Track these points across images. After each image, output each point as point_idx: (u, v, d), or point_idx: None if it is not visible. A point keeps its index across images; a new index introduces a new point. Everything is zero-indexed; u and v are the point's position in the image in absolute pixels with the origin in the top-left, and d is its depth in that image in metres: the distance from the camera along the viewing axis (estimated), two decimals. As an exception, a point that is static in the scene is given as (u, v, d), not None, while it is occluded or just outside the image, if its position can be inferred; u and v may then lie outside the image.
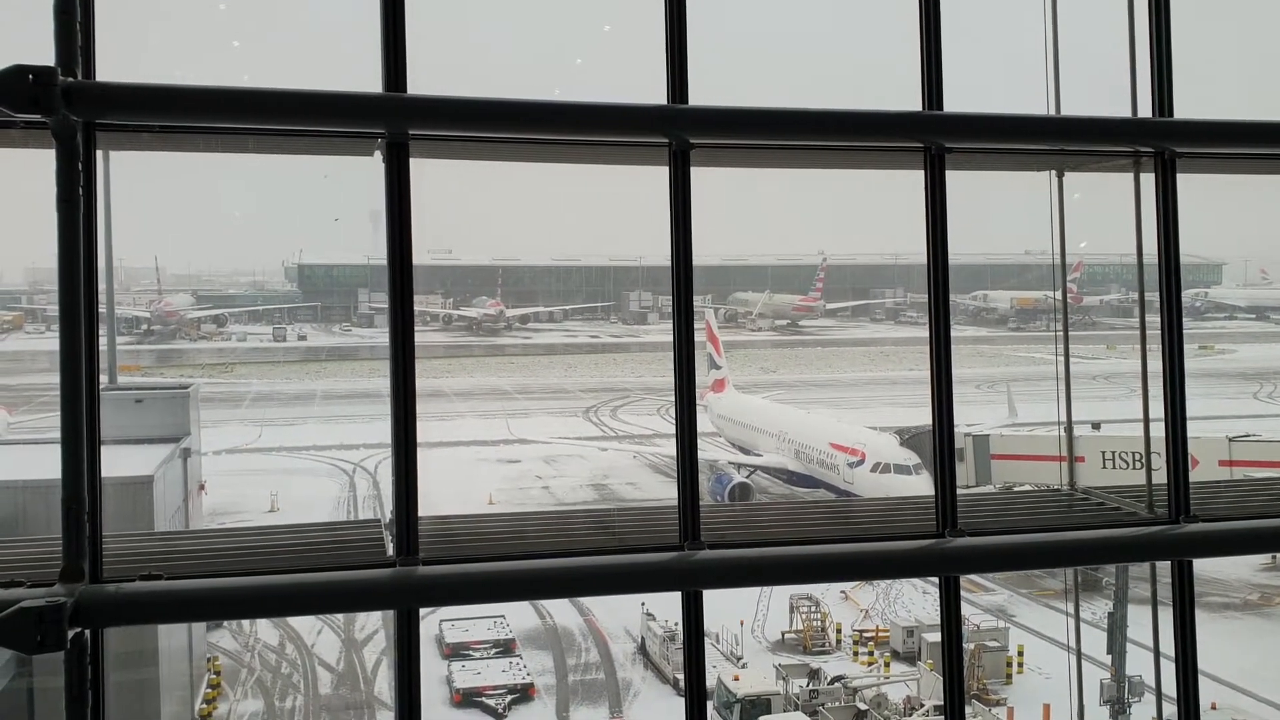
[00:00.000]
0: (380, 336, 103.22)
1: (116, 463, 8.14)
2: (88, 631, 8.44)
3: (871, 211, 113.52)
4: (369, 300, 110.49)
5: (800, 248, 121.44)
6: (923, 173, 10.94)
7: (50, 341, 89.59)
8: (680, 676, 35.60)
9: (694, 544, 10.20)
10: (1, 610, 7.93)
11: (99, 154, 8.78)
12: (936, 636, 35.61)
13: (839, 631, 40.26)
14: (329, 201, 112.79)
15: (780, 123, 10.23)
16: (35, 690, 26.09)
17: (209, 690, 33.89)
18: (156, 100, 8.53)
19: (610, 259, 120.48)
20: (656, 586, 10.44)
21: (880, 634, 40.06)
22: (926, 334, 11.07)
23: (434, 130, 9.54)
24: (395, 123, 9.12)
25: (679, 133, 9.91)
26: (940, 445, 11.18)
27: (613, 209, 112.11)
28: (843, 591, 42.94)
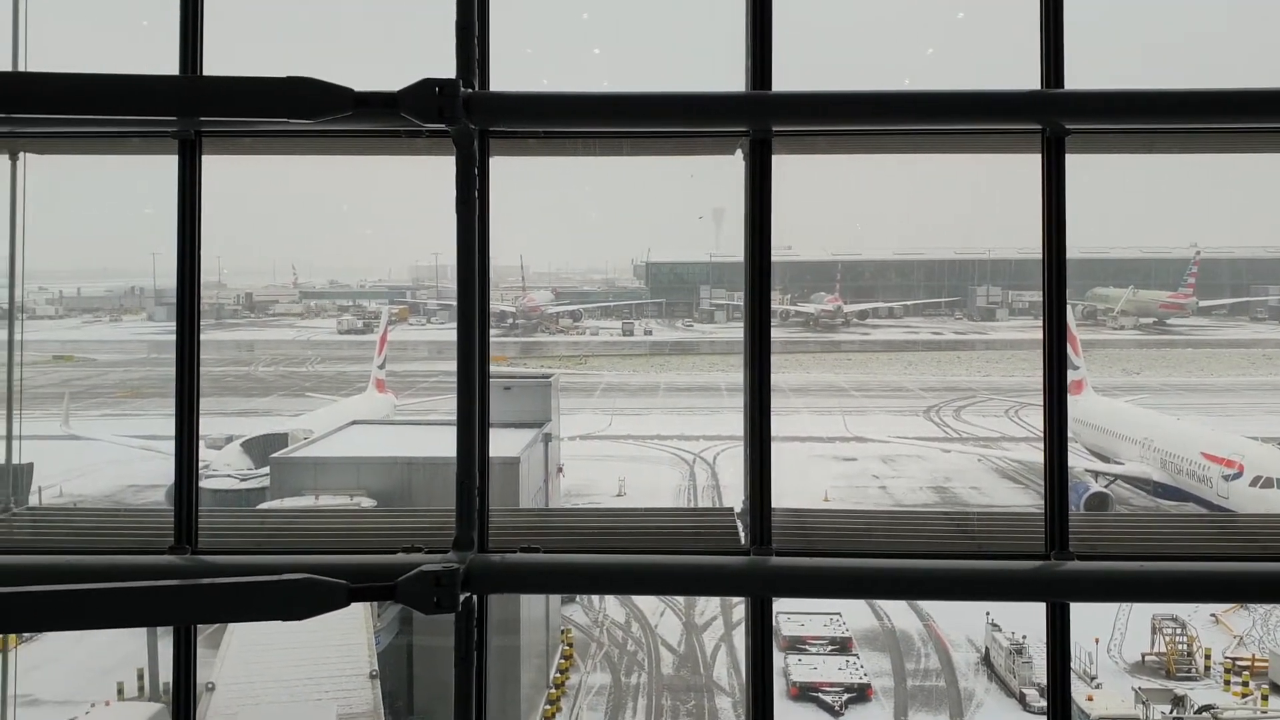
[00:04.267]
0: (719, 332, 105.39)
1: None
2: (475, 596, 9.21)
3: (1254, 200, 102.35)
4: (710, 297, 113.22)
5: (1169, 240, 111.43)
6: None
7: (430, 333, 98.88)
8: (1027, 691, 34.13)
9: (1061, 554, 9.67)
10: (403, 572, 8.78)
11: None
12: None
13: (1208, 657, 36.82)
14: (674, 202, 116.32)
15: (1174, 106, 9.42)
16: (414, 647, 29.01)
17: (562, 661, 36.06)
18: (546, 107, 9.16)
19: (956, 252, 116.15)
20: (1020, 596, 9.96)
21: (1257, 664, 36.25)
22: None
23: (798, 126, 9.62)
24: (760, 120, 9.29)
25: (1054, 119, 9.41)
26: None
27: (958, 200, 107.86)
28: (1213, 615, 39.24)
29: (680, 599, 40.67)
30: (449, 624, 9.07)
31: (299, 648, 21.37)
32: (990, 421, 71.55)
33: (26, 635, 32.35)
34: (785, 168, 9.80)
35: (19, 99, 8.56)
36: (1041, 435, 10.00)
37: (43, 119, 10.17)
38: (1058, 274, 9.67)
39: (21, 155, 11.40)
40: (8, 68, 11.03)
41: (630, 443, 66.72)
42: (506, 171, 9.68)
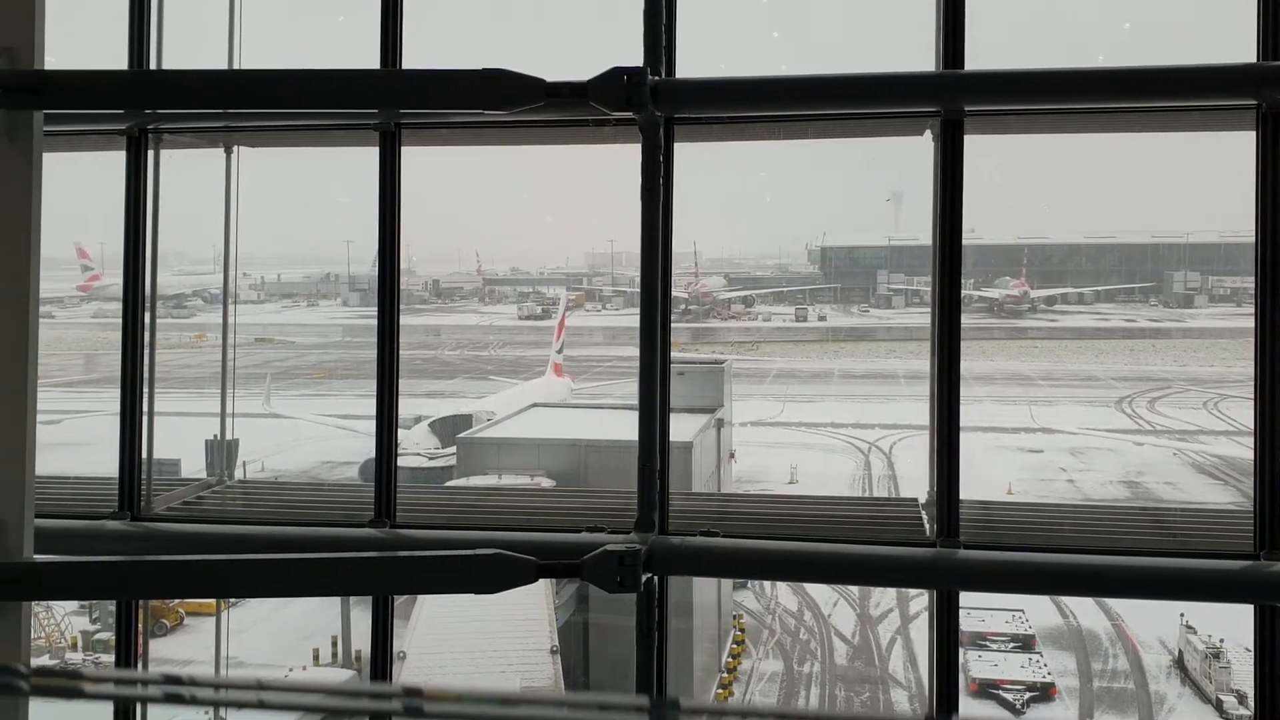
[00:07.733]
0: (897, 318, 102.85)
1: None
2: (656, 577, 9.36)
3: None
4: (888, 281, 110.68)
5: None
6: None
7: (605, 318, 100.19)
8: (1224, 698, 32.29)
9: (1272, 553, 9.11)
10: (587, 551, 8.98)
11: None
12: None
13: None
14: (850, 185, 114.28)
15: None
16: (591, 625, 29.63)
17: (734, 646, 36.14)
18: (732, 92, 9.16)
19: (1152, 235, 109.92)
20: (1226, 597, 9.45)
21: None
22: None
23: (994, 105, 9.34)
24: (953, 99, 9.05)
25: (1272, 93, 8.83)
26: None
27: (1156, 181, 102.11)
28: None
29: (854, 589, 40.08)
30: (625, 603, 9.21)
31: (484, 620, 22.15)
32: (1187, 414, 67.66)
33: (233, 600, 34.54)
34: (971, 148, 9.55)
35: (235, 96, 9.11)
36: (1245, 429, 9.46)
37: (255, 114, 10.80)
38: (1273, 258, 9.09)
39: (235, 149, 12.14)
40: (223, 67, 11.71)
41: (803, 429, 66.04)
42: (681, 157, 9.73)
